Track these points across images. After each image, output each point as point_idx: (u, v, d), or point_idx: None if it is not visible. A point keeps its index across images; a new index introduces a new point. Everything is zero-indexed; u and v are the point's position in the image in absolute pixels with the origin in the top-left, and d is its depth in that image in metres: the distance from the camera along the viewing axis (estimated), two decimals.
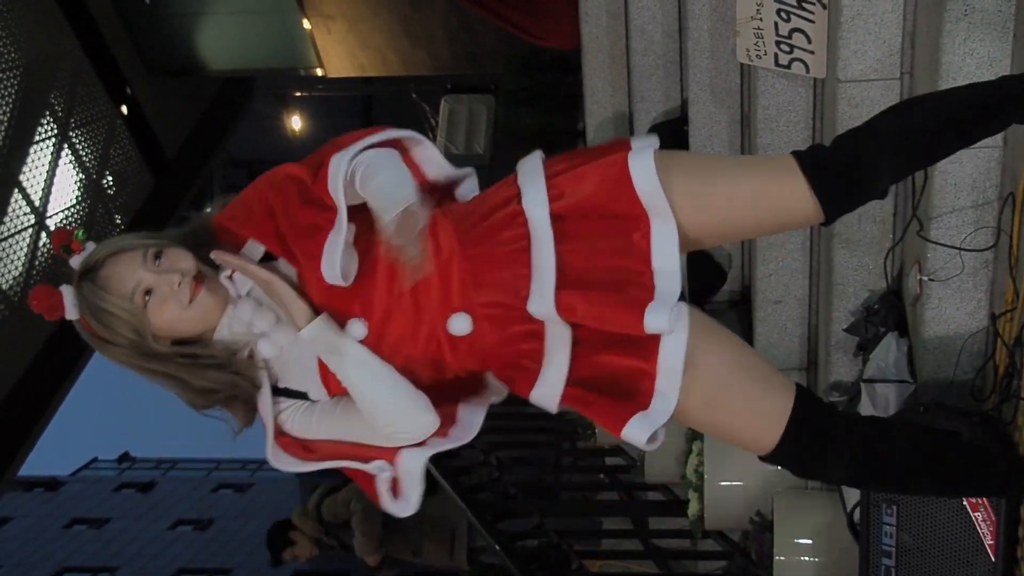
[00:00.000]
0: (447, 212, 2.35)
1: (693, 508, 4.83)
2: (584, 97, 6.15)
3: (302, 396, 2.32)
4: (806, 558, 4.28)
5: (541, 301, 2.20)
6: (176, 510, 27.17)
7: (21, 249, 10.42)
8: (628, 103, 5.74)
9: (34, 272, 10.55)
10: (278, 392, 2.33)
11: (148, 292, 2.21)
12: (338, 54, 11.42)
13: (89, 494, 28.80)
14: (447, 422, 2.37)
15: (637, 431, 2.20)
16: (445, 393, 2.37)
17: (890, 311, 3.81)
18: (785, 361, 4.66)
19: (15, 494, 26.19)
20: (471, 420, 2.43)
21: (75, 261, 2.28)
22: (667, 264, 2.23)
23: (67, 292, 2.26)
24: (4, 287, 10.16)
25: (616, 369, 2.24)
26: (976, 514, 2.99)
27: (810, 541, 4.28)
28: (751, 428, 2.34)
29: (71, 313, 2.26)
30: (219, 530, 25.57)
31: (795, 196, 2.32)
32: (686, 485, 4.83)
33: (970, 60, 3.14)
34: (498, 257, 2.26)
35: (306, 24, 11.12)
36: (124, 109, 11.87)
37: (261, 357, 2.32)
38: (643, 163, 2.26)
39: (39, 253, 10.62)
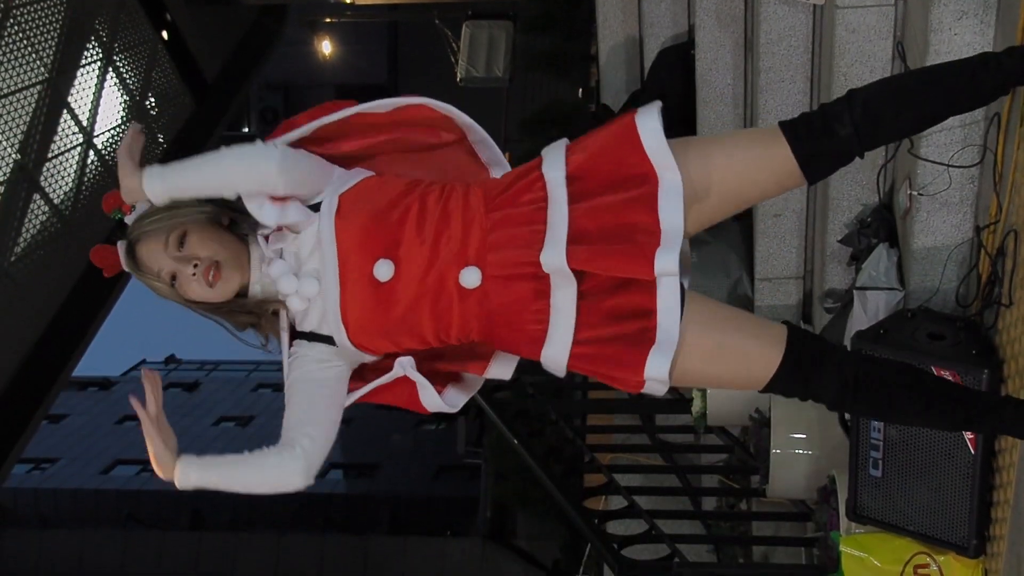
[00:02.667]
0: (481, 183, 2.37)
1: (697, 406, 4.86)
2: (597, 23, 6.10)
3: (328, 340, 2.34)
4: (800, 451, 4.32)
5: (553, 253, 2.18)
6: (219, 408, 27.40)
7: (71, 166, 10.45)
8: (639, 29, 5.69)
9: (83, 188, 10.57)
10: (304, 336, 2.37)
11: (173, 276, 2.29)
12: None
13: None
14: (440, 382, 2.45)
15: (657, 366, 2.19)
16: (441, 359, 2.44)
17: (882, 223, 3.81)
18: (783, 270, 4.68)
19: (70, 393, 26.40)
20: (455, 400, 2.50)
21: (129, 219, 2.34)
22: (673, 214, 2.21)
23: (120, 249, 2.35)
24: (56, 202, 10.20)
25: (621, 311, 2.22)
26: None
27: (804, 436, 4.32)
28: (745, 371, 2.30)
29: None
30: (259, 426, 25.80)
31: (783, 166, 2.28)
32: None
33: None
34: (516, 217, 2.26)
35: None
36: (165, 35, 11.80)
37: (291, 309, 2.37)
38: (650, 122, 2.25)
39: (87, 170, 10.64)
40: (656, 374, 2.20)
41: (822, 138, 2.28)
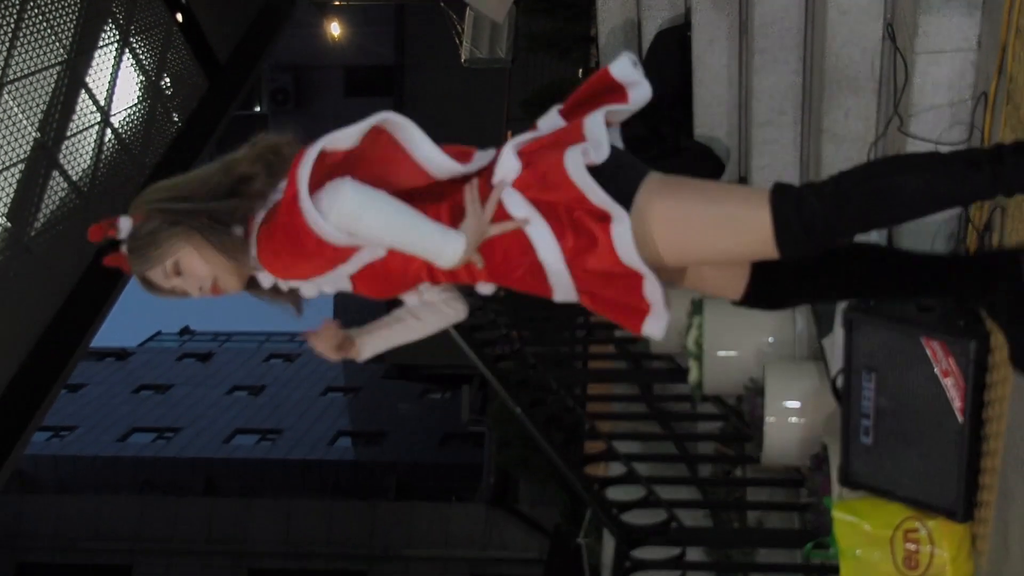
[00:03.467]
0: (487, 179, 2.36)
1: (693, 375, 4.87)
2: (597, 6, 6.07)
3: None
4: (794, 419, 4.34)
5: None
6: (232, 377, 27.46)
7: (89, 144, 10.44)
8: (637, 11, 5.66)
9: (100, 165, 10.57)
10: None
11: (185, 291, 2.38)
12: None
13: (154, 363, 29.10)
14: None
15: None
16: None
17: None
18: None
19: (88, 363, 26.48)
20: None
21: (122, 235, 2.36)
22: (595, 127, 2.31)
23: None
24: (75, 178, 10.19)
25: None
26: (946, 380, 3.01)
27: (797, 404, 4.33)
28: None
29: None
30: (271, 395, 25.87)
31: (762, 238, 2.26)
32: (687, 354, 4.87)
33: None
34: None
35: None
36: (179, 17, 11.77)
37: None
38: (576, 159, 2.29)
39: (104, 148, 10.63)
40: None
41: (816, 245, 2.29)
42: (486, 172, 2.34)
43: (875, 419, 3.25)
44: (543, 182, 2.26)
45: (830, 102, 3.88)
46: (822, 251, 2.36)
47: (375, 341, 2.57)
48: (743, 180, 5.07)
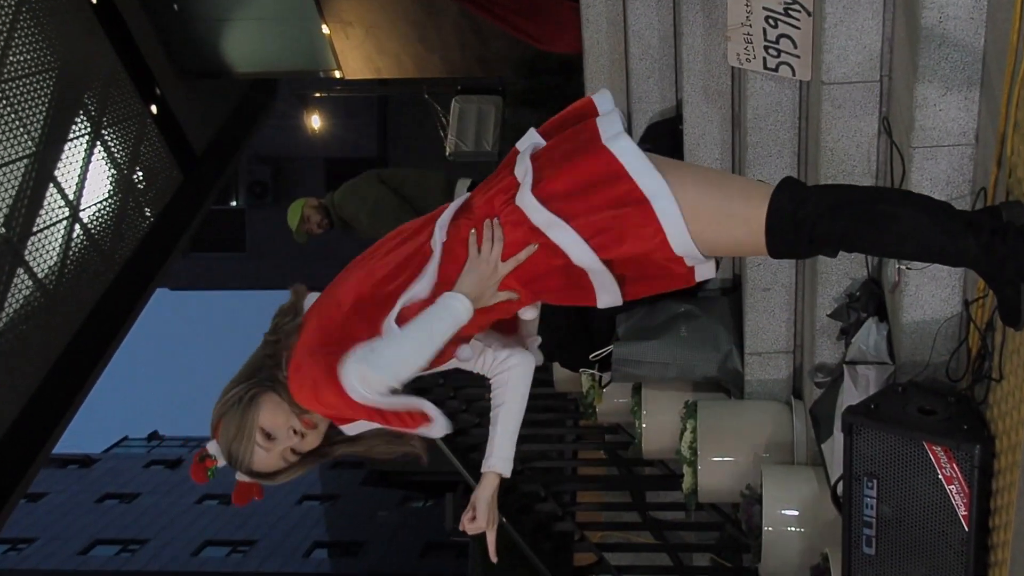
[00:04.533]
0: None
1: (687, 482, 4.85)
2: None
3: None
4: (793, 528, 4.32)
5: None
6: (202, 486, 27.24)
7: (56, 240, 10.45)
8: (627, 104, 5.76)
9: (68, 261, 10.57)
10: None
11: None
12: (355, 58, 11.44)
13: (120, 471, 28.82)
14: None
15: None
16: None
17: (870, 298, 3.85)
18: (773, 344, 4.70)
19: (50, 470, 26.22)
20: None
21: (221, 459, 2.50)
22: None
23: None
24: (40, 276, 10.19)
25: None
26: (951, 487, 3.02)
27: (796, 512, 4.31)
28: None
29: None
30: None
31: (754, 239, 2.37)
32: (681, 460, 4.86)
33: (945, 64, 3.18)
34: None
35: (325, 30, 11.14)
36: (154, 108, 11.89)
37: None
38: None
39: (72, 244, 10.65)
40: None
41: (803, 249, 2.37)
42: (495, 191, 2.47)
43: (877, 528, 3.25)
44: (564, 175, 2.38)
45: None
46: (807, 256, 2.42)
47: (501, 448, 2.60)
48: (737, 278, 5.12)
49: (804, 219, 2.30)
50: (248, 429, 2.39)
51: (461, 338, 2.44)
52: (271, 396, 2.39)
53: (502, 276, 2.38)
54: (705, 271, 2.45)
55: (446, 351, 2.41)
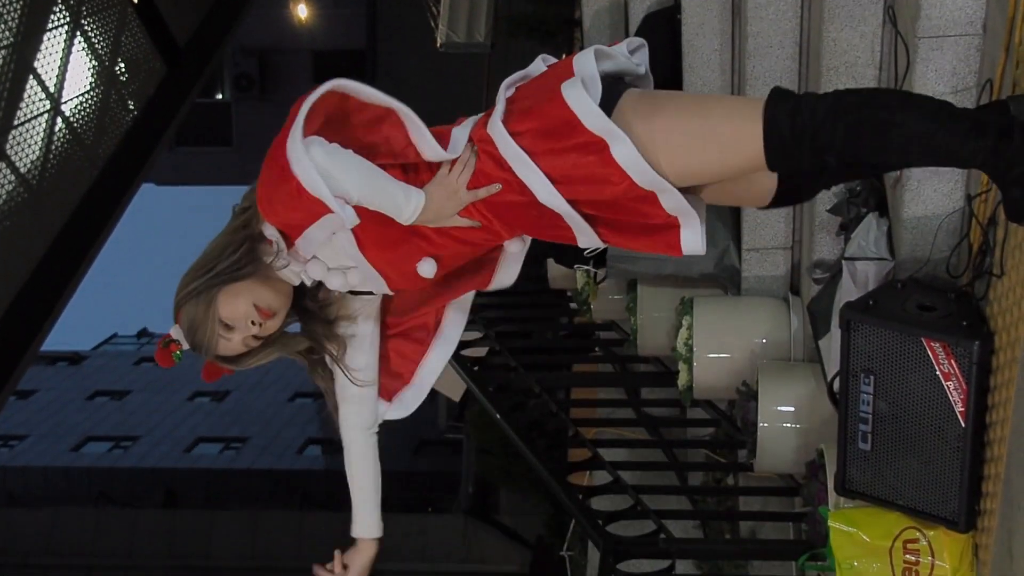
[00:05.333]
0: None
1: (683, 379, 4.88)
2: None
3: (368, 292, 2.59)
4: (788, 425, 4.35)
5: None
6: (194, 383, 27.29)
7: (38, 134, 10.37)
8: None
9: (51, 156, 10.50)
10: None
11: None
12: None
13: (110, 368, 28.98)
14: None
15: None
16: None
17: (871, 192, 3.83)
18: (771, 240, 4.69)
19: (39, 368, 26.33)
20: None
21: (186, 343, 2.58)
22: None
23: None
24: (23, 170, 10.13)
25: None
26: (948, 383, 3.03)
27: (792, 409, 4.35)
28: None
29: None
30: (235, 401, 25.75)
31: (751, 154, 2.32)
32: (676, 357, 4.88)
33: None
34: None
35: None
36: None
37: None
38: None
39: (55, 138, 10.57)
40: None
41: (805, 159, 2.31)
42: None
43: (873, 424, 3.27)
44: (535, 115, 2.35)
45: (827, 89, 3.89)
46: (811, 167, 2.35)
47: (371, 515, 2.80)
48: None
49: (803, 129, 2.25)
50: (208, 320, 2.45)
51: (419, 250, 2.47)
52: (229, 287, 2.43)
53: (463, 203, 2.39)
54: (692, 242, 2.39)
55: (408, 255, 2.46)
